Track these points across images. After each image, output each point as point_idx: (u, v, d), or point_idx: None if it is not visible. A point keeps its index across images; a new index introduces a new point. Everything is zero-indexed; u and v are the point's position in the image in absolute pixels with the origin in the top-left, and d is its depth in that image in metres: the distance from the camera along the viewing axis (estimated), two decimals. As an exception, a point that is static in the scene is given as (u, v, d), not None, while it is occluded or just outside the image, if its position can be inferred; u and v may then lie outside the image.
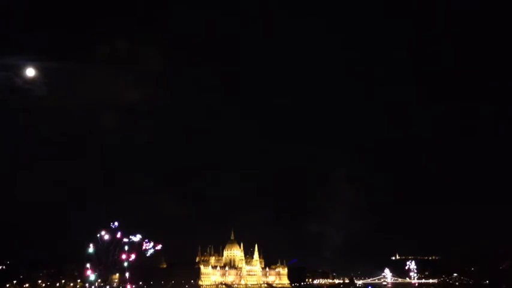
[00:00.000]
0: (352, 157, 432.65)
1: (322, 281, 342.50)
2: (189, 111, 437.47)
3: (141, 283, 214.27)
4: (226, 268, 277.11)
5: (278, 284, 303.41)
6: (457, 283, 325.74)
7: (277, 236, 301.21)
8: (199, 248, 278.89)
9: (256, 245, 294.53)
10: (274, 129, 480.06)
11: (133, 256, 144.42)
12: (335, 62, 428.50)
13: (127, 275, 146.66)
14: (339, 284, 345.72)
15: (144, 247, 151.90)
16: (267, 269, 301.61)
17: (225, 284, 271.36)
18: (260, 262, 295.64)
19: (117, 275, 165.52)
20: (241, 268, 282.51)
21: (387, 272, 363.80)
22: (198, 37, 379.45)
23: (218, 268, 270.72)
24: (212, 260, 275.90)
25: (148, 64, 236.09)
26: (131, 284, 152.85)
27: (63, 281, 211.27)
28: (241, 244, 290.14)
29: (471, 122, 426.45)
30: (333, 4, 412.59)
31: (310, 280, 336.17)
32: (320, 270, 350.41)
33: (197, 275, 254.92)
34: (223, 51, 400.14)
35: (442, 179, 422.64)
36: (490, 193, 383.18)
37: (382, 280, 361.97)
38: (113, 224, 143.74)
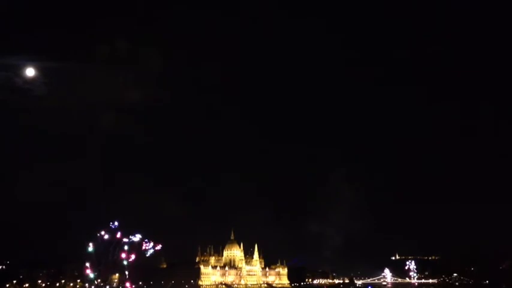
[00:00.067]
0: (352, 157, 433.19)
1: (322, 281, 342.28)
2: (189, 111, 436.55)
3: (141, 283, 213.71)
4: (226, 268, 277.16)
5: (278, 284, 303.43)
6: (457, 283, 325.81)
7: (277, 236, 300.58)
8: (199, 248, 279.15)
9: (256, 245, 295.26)
10: (274, 129, 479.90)
11: (133, 256, 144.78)
12: (335, 62, 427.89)
13: (126, 273, 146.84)
14: (339, 284, 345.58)
15: (144, 247, 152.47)
16: (267, 269, 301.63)
17: (225, 284, 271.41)
18: (260, 262, 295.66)
19: (117, 275, 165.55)
20: (241, 268, 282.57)
21: (387, 272, 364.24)
22: (198, 37, 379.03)
23: (218, 268, 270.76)
24: (212, 260, 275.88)
25: (148, 64, 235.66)
26: (131, 284, 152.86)
27: (63, 281, 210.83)
28: (241, 244, 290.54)
29: (471, 122, 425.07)
30: (333, 4, 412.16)
31: (310, 280, 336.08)
32: (320, 270, 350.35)
33: (197, 275, 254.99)
34: (223, 51, 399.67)
35: (442, 179, 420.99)
36: (490, 193, 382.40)
37: (382, 280, 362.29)
38: (113, 224, 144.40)
